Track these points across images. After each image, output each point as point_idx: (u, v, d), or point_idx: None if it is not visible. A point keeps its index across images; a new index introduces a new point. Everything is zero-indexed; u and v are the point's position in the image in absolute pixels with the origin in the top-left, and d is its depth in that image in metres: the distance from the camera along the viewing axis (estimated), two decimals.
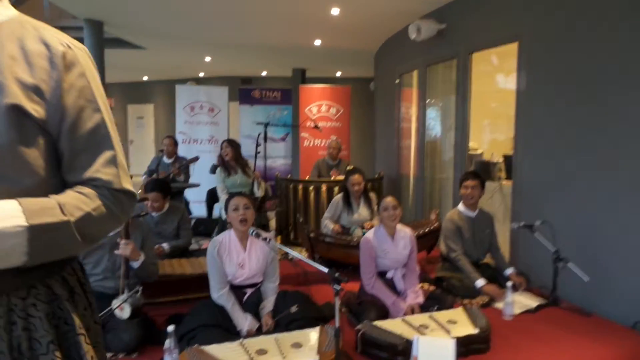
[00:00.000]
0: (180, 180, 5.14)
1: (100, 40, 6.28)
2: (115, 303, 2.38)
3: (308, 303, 2.69)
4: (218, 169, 4.87)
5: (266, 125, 5.49)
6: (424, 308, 2.82)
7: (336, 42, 6.74)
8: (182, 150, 7.10)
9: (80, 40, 6.68)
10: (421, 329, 2.45)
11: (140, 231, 2.60)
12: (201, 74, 11.90)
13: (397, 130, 5.67)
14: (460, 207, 3.45)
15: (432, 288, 3.39)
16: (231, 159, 4.75)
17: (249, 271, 2.62)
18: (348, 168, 4.33)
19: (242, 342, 2.23)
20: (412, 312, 2.76)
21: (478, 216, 3.43)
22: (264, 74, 10.98)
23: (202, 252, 3.68)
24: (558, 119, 3.26)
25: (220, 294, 2.55)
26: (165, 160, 5.28)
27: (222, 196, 4.73)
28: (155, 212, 3.52)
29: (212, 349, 2.16)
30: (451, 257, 3.33)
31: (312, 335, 2.34)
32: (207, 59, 9.27)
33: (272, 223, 5.64)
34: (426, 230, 3.82)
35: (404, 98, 5.58)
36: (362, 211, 4.13)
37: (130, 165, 12.43)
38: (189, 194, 6.61)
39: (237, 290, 2.65)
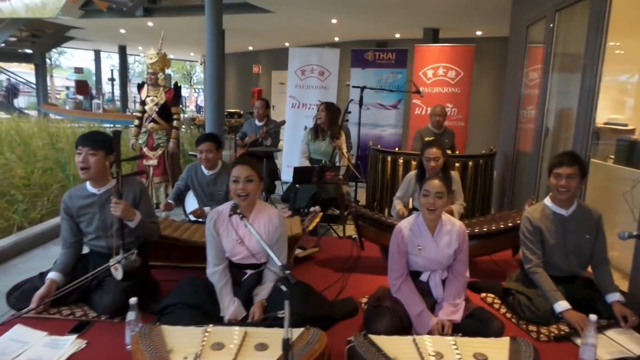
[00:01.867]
0: (267, 145, 5.05)
1: (219, 6, 6.47)
2: (111, 262, 2.35)
3: (310, 297, 2.28)
4: (306, 130, 4.62)
5: (362, 89, 5.02)
6: (459, 329, 2.17)
7: None
8: (291, 115, 7.06)
9: (201, 7, 7.02)
10: (432, 359, 1.85)
11: (133, 189, 2.47)
12: (336, 39, 11.71)
13: (518, 98, 4.60)
14: (548, 201, 2.55)
15: (496, 301, 2.64)
16: (323, 123, 4.44)
17: (247, 250, 2.33)
18: (426, 139, 3.63)
19: (206, 329, 1.98)
20: (443, 330, 2.14)
21: (574, 215, 2.49)
22: (397, 36, 10.23)
23: None
24: None
25: (213, 271, 2.32)
26: (257, 123, 5.23)
27: (301, 159, 4.49)
28: (207, 170, 3.43)
29: (170, 330, 1.96)
30: (525, 269, 2.51)
31: (278, 338, 1.95)
32: (334, 21, 8.98)
33: (362, 197, 5.23)
34: (509, 224, 2.98)
35: (532, 57, 4.46)
36: None
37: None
38: (287, 159, 6.59)
39: (236, 269, 2.39)
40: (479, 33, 8.73)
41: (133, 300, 2.01)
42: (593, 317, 2.01)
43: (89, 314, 2.28)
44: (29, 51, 12.56)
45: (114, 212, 2.31)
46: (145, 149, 4.92)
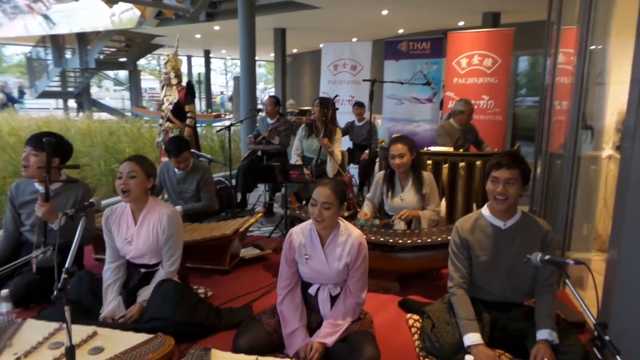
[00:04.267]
0: (274, 143, 4.96)
1: (252, 6, 6.55)
2: (29, 256, 2.46)
3: (183, 302, 2.15)
4: (300, 127, 4.48)
5: (373, 82, 4.71)
6: (329, 354, 1.89)
7: None
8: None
9: (258, 8, 7.16)
10: None
11: (75, 194, 2.55)
12: (400, 31, 11.19)
13: (548, 89, 3.92)
14: (485, 210, 2.10)
15: (416, 324, 2.25)
16: (318, 119, 4.26)
17: (135, 250, 2.28)
18: (394, 136, 3.25)
19: (62, 326, 1.97)
20: (310, 352, 1.88)
21: (513, 229, 2.01)
22: (460, 24, 9.44)
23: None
24: None
25: (106, 268, 2.31)
26: (268, 121, 5.17)
27: (294, 156, 4.36)
28: (178, 170, 3.47)
29: (31, 324, 2.00)
30: (448, 289, 2.10)
31: (132, 342, 1.87)
32: (384, 12, 8.58)
33: None
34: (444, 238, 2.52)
35: (562, 41, 3.77)
36: (407, 195, 3.06)
37: None
38: None
39: (133, 267, 2.36)
40: None
41: (4, 292, 2.08)
42: (469, 357, 1.60)
43: None
44: (124, 59, 14.11)
45: (37, 212, 2.40)
46: (164, 147, 5.15)
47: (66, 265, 1.57)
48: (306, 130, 4.35)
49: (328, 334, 1.93)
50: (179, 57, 5.10)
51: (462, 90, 5.37)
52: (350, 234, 2.04)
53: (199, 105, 19.34)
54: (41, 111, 14.68)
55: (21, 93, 16.29)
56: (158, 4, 8.86)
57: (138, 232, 2.28)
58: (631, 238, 1.88)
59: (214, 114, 13.54)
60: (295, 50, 16.60)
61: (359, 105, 5.55)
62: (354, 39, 12.89)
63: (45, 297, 2.40)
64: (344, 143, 5.64)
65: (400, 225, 3.06)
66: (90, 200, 2.02)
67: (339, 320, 1.97)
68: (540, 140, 3.77)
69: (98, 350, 1.83)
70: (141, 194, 2.25)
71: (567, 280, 1.59)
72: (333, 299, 2.06)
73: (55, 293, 1.47)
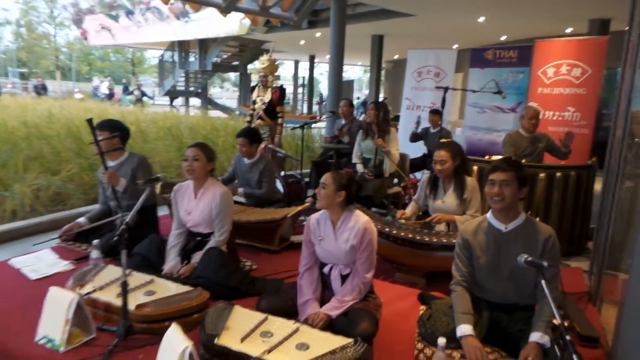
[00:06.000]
0: (344, 142, 5.27)
1: (343, 16, 6.94)
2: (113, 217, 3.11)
3: (224, 267, 2.56)
4: (359, 132, 4.74)
5: (446, 89, 4.79)
6: (332, 325, 2.16)
7: None
8: (405, 117, 7.02)
9: (354, 16, 7.53)
10: (258, 335, 1.97)
11: (132, 163, 3.15)
12: (503, 38, 10.76)
13: (621, 98, 3.69)
14: (489, 214, 2.19)
15: (420, 310, 2.40)
16: (372, 121, 4.51)
17: (193, 220, 2.76)
18: (441, 141, 3.35)
19: (131, 273, 2.50)
20: (316, 320, 2.16)
21: (514, 232, 2.08)
22: (568, 30, 8.80)
23: None
24: None
25: (172, 234, 2.83)
26: (342, 122, 5.50)
27: (355, 159, 4.62)
28: (247, 160, 3.95)
29: (111, 269, 2.55)
30: (449, 286, 2.23)
31: (177, 291, 2.32)
32: (481, 19, 8.39)
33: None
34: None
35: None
36: (449, 199, 3.17)
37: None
38: None
39: (191, 235, 2.85)
40: None
41: (95, 242, 2.68)
42: (441, 340, 1.75)
43: None
44: (236, 63, 15.53)
45: (102, 179, 3.06)
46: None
47: (127, 220, 2.07)
48: (364, 132, 4.58)
49: (334, 307, 2.20)
50: (276, 62, 5.65)
51: (545, 100, 5.16)
52: (358, 220, 2.28)
53: (303, 107, 20.40)
54: (167, 107, 16.75)
55: (125, 89, 18.80)
56: (266, 14, 9.64)
57: (196, 205, 2.76)
58: None
59: (310, 115, 14.28)
60: (396, 57, 16.72)
61: (433, 112, 5.62)
62: (455, 46, 12.65)
63: (128, 249, 3.01)
64: (419, 148, 5.76)
65: (440, 227, 3.19)
66: (157, 175, 2.54)
67: (345, 297, 2.22)
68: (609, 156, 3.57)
69: (151, 293, 2.32)
70: (203, 174, 2.73)
71: (542, 282, 1.66)
72: (344, 278, 2.32)
73: (115, 238, 1.96)
